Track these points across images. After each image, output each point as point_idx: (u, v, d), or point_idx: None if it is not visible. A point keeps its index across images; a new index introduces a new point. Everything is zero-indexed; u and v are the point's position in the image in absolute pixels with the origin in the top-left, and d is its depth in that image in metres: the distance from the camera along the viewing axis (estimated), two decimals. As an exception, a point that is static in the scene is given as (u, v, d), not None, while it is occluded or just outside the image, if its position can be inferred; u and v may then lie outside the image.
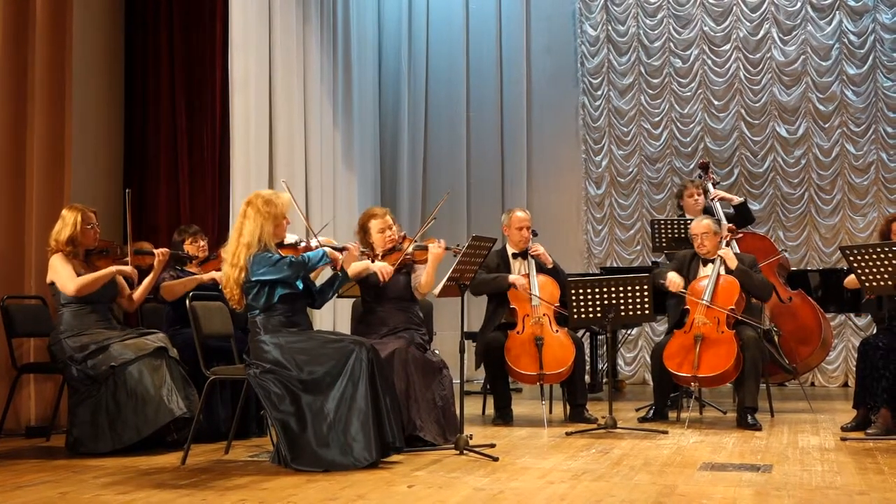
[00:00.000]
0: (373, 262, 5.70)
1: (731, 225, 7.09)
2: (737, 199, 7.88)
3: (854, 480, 4.35)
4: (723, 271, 6.52)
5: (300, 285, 5.00)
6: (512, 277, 6.63)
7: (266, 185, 7.91)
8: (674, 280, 6.48)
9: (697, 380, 6.24)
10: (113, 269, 5.67)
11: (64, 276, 5.56)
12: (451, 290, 5.42)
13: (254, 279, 4.83)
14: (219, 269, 6.07)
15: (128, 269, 5.73)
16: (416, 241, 5.77)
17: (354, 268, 5.56)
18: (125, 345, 5.46)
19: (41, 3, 6.37)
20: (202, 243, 6.52)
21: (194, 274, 6.37)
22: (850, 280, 6.04)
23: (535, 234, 6.95)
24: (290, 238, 5.13)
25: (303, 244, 5.11)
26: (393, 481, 4.34)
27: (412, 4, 11.07)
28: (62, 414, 6.01)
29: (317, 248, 5.10)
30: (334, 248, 5.17)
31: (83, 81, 7.08)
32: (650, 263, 9.22)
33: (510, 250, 6.86)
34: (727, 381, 6.49)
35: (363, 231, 5.89)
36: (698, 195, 7.66)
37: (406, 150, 10.91)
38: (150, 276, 5.93)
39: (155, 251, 5.96)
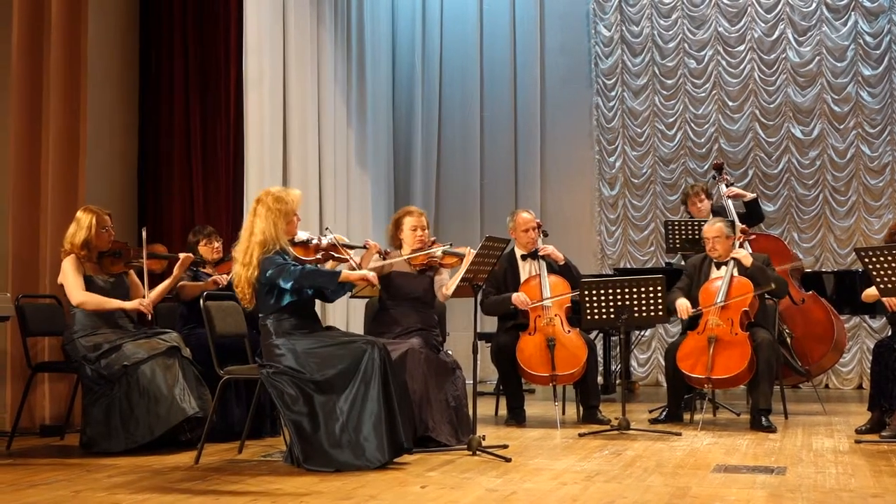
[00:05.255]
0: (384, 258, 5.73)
1: (743, 226, 7.05)
2: (749, 196, 7.85)
3: (868, 483, 4.33)
4: (736, 273, 6.48)
5: (310, 291, 5.01)
6: (514, 296, 6.56)
7: (280, 184, 7.91)
8: (682, 307, 6.39)
9: (711, 381, 6.20)
10: (117, 304, 5.64)
11: (71, 284, 5.57)
12: (464, 290, 5.43)
13: (264, 281, 4.84)
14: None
15: (133, 304, 5.68)
16: (445, 247, 5.77)
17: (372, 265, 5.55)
18: (138, 344, 5.47)
19: (56, 5, 6.40)
20: (217, 245, 6.51)
21: (211, 276, 6.38)
22: (868, 294, 5.98)
23: (545, 234, 6.93)
24: (301, 235, 5.13)
25: (314, 242, 5.10)
26: (406, 481, 4.35)
27: (426, 4, 11.04)
28: (76, 413, 6.03)
29: (328, 246, 5.10)
30: (351, 247, 5.17)
31: (98, 82, 7.10)
32: (664, 264, 9.19)
33: (518, 252, 6.84)
34: (741, 383, 6.45)
35: (396, 226, 5.91)
36: (700, 202, 7.63)
37: (419, 150, 10.89)
38: (169, 280, 5.90)
39: (180, 255, 5.95)
